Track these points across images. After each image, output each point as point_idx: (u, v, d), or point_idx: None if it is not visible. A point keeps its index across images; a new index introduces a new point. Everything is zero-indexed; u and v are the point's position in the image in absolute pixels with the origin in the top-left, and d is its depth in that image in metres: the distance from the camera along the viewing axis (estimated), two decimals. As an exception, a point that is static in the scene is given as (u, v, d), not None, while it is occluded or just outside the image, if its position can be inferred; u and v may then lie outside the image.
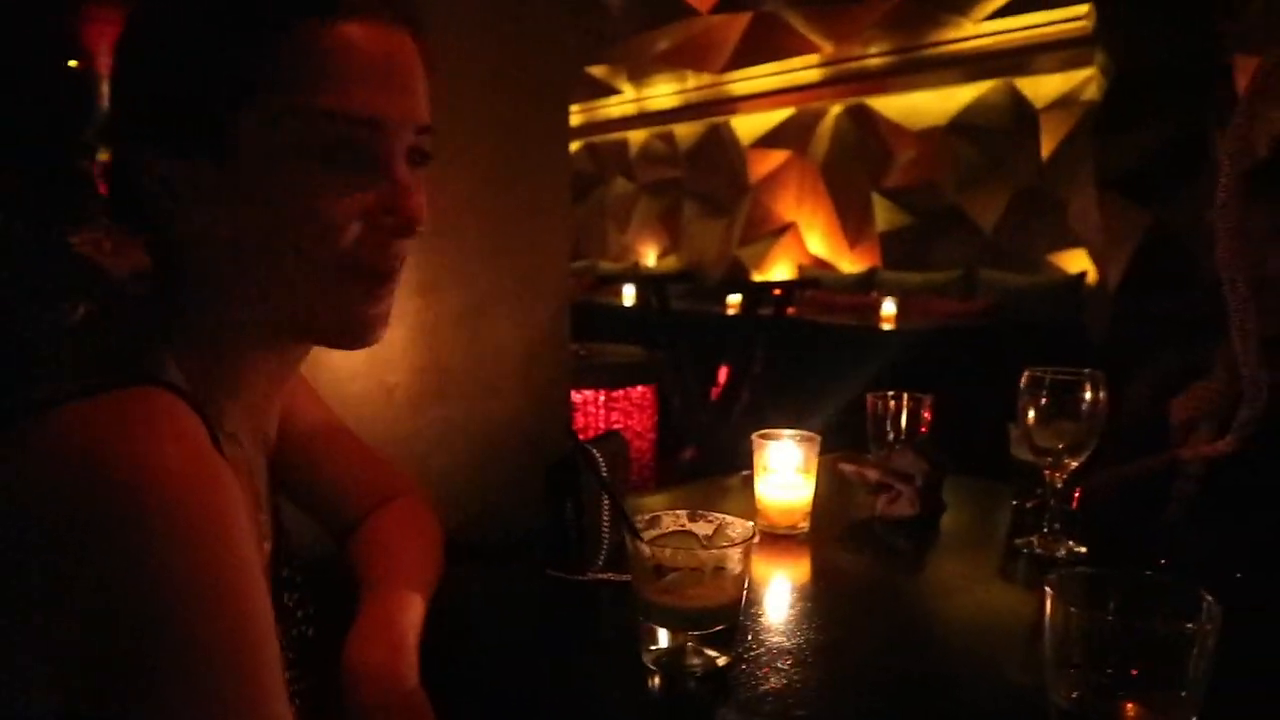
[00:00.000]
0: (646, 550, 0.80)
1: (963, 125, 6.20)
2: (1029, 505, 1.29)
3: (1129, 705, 0.65)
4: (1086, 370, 1.13)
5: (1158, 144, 4.53)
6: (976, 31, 5.80)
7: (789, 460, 1.21)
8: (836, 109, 7.10)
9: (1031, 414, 1.15)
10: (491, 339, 1.78)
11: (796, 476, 1.21)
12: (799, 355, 4.02)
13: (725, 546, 0.81)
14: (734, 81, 7.48)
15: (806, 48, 6.63)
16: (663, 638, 0.80)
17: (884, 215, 6.72)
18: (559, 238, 1.92)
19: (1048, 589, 0.67)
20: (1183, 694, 0.63)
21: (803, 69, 6.95)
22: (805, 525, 1.21)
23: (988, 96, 6.09)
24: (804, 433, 1.23)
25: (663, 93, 8.27)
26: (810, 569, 1.15)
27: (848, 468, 1.34)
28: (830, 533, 1.24)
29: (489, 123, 1.74)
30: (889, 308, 4.59)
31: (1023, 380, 1.16)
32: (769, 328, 3.94)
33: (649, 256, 8.82)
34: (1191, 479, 1.40)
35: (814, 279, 6.65)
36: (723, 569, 0.79)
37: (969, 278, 5.81)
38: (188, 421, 0.58)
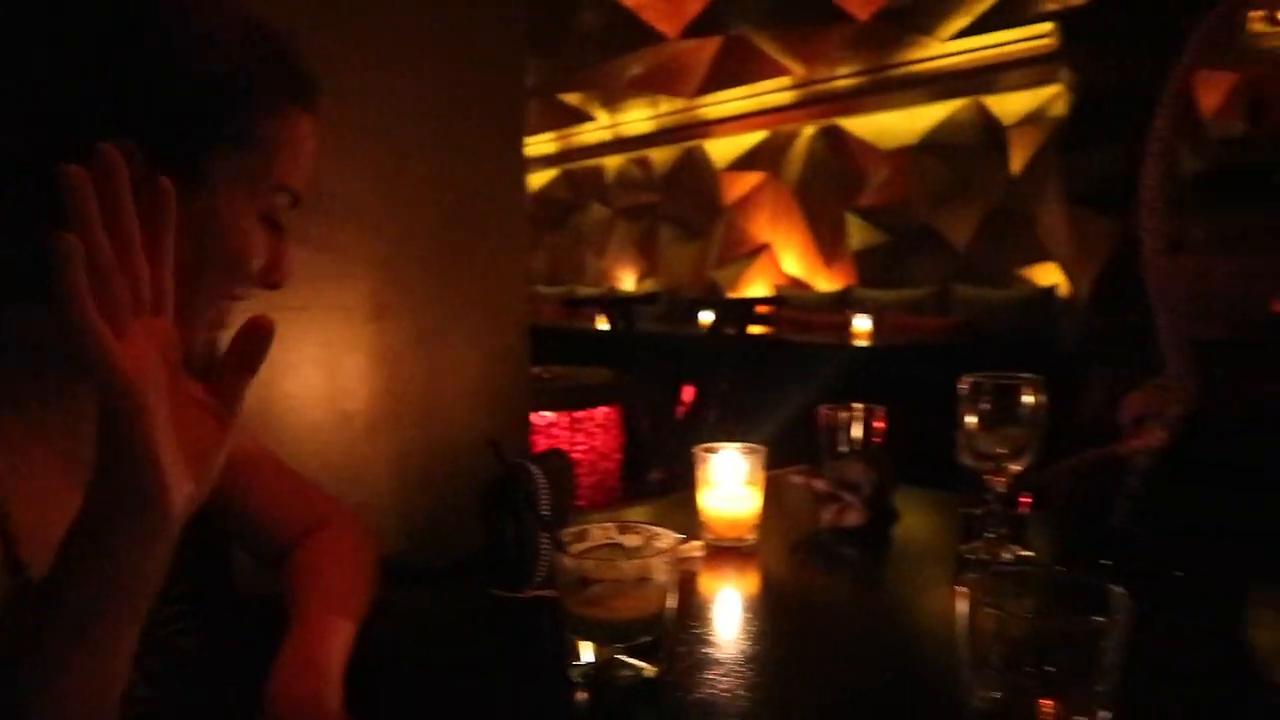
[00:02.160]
0: (569, 563, 0.79)
1: (933, 144, 6.26)
2: (978, 513, 1.29)
3: (1046, 702, 0.64)
4: (1026, 375, 1.13)
5: (1124, 158, 4.57)
6: (943, 51, 5.87)
7: (734, 472, 1.20)
8: (809, 130, 7.16)
9: (974, 420, 1.15)
10: (447, 363, 1.77)
11: (742, 489, 1.20)
12: (770, 373, 4.02)
13: (647, 556, 0.80)
14: (707, 105, 7.55)
15: (777, 70, 6.70)
16: (587, 652, 0.79)
17: (858, 234, 6.77)
18: (516, 263, 1.92)
19: (964, 589, 0.67)
20: (1097, 687, 0.62)
21: (774, 91, 7.02)
22: (752, 538, 1.20)
23: (956, 115, 6.16)
24: (749, 444, 1.23)
25: (636, 118, 8.33)
26: (756, 581, 1.14)
27: (797, 479, 1.34)
28: (779, 545, 1.23)
29: (442, 149, 1.74)
30: (863, 324, 4.61)
31: (964, 387, 1.16)
32: (735, 346, 3.95)
33: (627, 281, 8.84)
34: (1138, 475, 1.40)
35: (785, 298, 6.67)
36: (647, 579, 0.79)
37: (943, 294, 5.85)
38: None
